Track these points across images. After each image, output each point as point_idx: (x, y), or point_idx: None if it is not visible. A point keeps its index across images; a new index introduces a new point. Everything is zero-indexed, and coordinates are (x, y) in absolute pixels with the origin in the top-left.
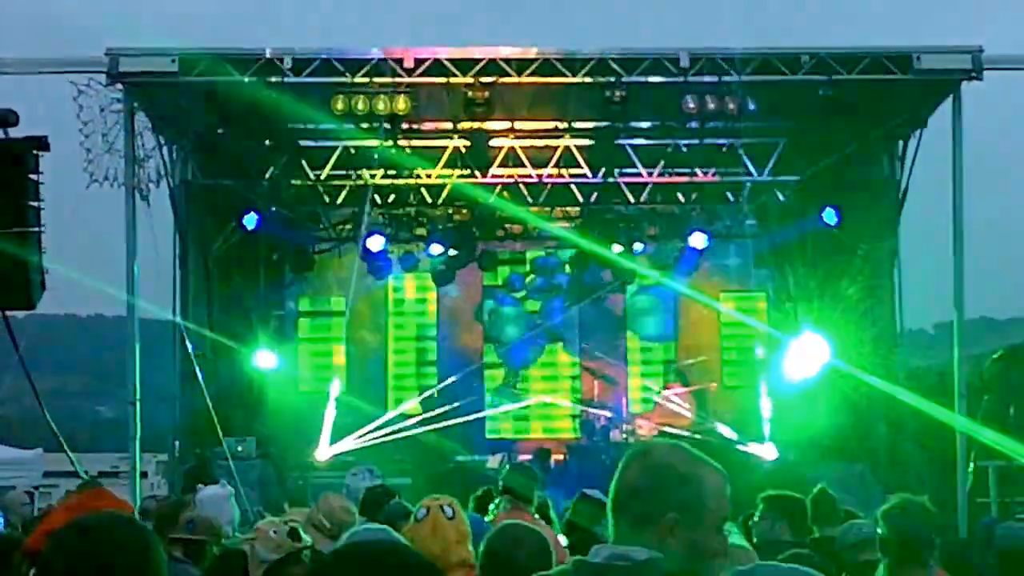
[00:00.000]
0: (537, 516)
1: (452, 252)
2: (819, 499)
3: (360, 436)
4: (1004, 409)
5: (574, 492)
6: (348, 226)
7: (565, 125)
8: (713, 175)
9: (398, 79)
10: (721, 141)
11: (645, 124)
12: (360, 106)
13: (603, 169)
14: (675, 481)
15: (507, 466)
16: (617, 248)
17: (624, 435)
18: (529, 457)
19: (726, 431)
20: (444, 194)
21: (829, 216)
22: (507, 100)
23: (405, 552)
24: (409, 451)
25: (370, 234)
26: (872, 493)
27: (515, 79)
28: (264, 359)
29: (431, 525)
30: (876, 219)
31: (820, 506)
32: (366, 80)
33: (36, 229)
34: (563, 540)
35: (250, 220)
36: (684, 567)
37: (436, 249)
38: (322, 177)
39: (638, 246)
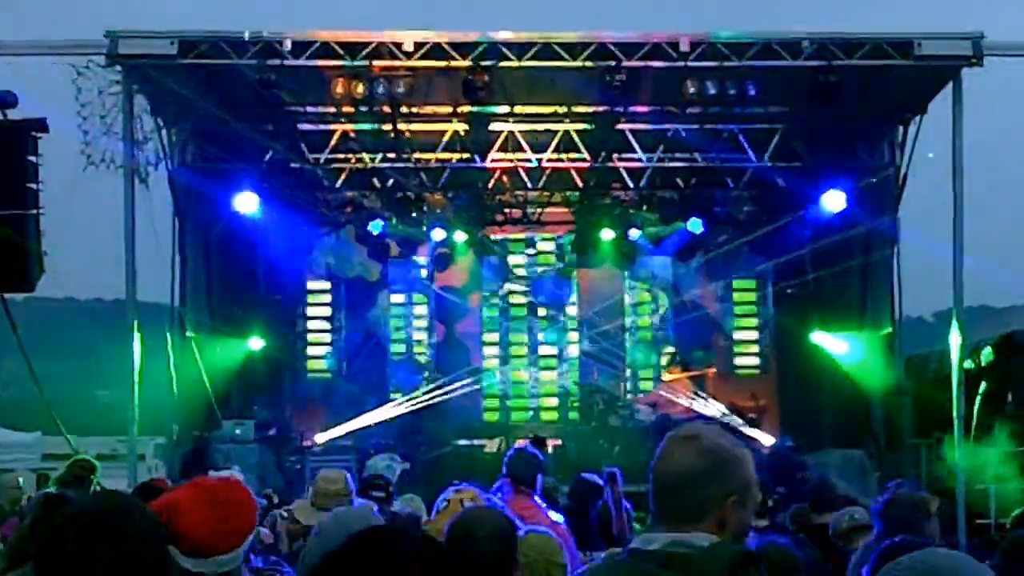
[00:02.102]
0: (539, 500)
1: (452, 236)
2: (818, 487)
3: (358, 420)
4: (1002, 396)
5: (572, 476)
6: (347, 209)
7: (564, 109)
8: (713, 160)
9: (397, 62)
10: (721, 126)
11: (645, 109)
12: (359, 89)
13: (602, 154)
14: (732, 462)
15: (512, 450)
16: (611, 234)
17: (622, 419)
18: (526, 442)
19: (724, 416)
20: (443, 178)
21: (828, 201)
22: (506, 84)
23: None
24: (407, 436)
25: (370, 217)
26: (870, 480)
27: (515, 63)
28: (262, 343)
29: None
30: (876, 205)
31: (819, 494)
32: (365, 63)
33: (35, 211)
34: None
35: (246, 202)
36: (734, 548)
37: (439, 234)
38: (321, 160)
39: (634, 233)
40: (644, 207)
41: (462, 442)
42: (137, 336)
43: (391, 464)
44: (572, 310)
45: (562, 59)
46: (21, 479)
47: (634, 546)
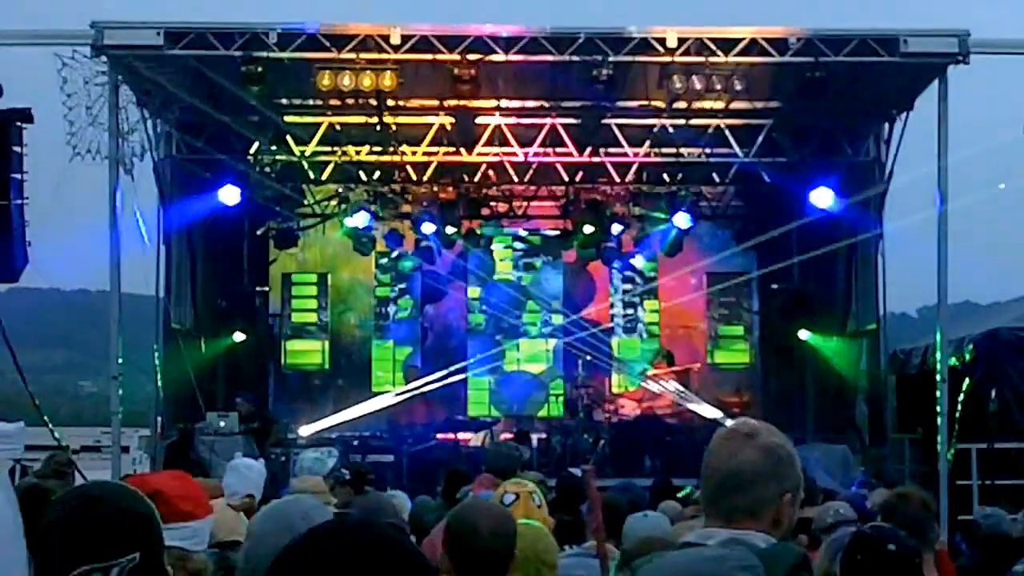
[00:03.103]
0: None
1: (439, 229)
2: None
3: (342, 413)
4: (985, 392)
5: (557, 471)
6: (333, 202)
7: (551, 104)
8: (699, 156)
9: (384, 55)
10: (707, 122)
11: (631, 104)
12: (346, 82)
13: (589, 148)
14: (788, 460)
15: (491, 444)
16: (597, 229)
17: (607, 414)
18: (511, 436)
19: (709, 411)
20: (429, 171)
21: (815, 197)
22: (493, 78)
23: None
24: (391, 429)
25: (355, 211)
26: (853, 475)
27: (502, 57)
28: (246, 335)
29: (522, 511)
30: (861, 201)
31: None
32: (352, 56)
33: (19, 201)
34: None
35: (230, 194)
36: (795, 551)
37: (428, 228)
38: (307, 153)
39: (620, 227)
40: (631, 202)
41: (447, 436)
42: (119, 327)
43: (320, 458)
44: (557, 304)
45: (549, 53)
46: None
47: (690, 538)
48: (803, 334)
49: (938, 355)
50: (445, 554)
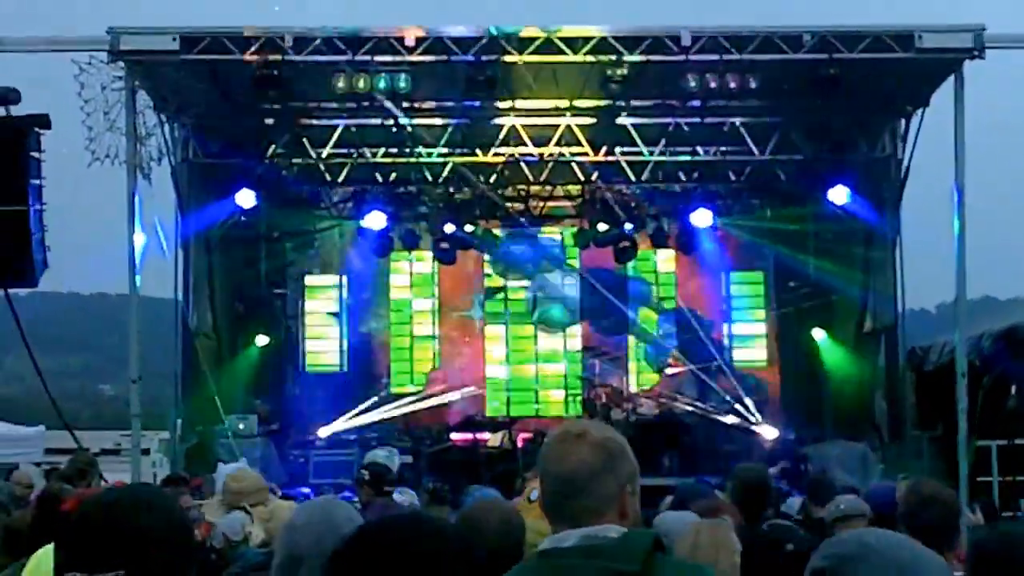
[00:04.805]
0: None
1: (455, 230)
2: (815, 480)
3: (360, 414)
4: (1005, 389)
5: None
6: (349, 204)
7: (566, 104)
8: (715, 154)
9: (399, 57)
10: (722, 120)
11: (646, 103)
12: (361, 84)
13: (604, 148)
14: (620, 453)
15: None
16: (613, 228)
17: (625, 413)
18: (530, 435)
19: (727, 410)
20: (445, 173)
21: (832, 194)
22: (508, 79)
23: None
24: (409, 430)
25: (371, 211)
26: (873, 472)
27: (516, 57)
28: (265, 337)
29: None
30: (878, 198)
31: (816, 486)
32: (367, 58)
33: (38, 207)
34: None
35: (247, 198)
36: (647, 532)
37: (448, 228)
38: (323, 156)
39: (636, 226)
40: (646, 201)
41: (465, 436)
42: (139, 331)
43: (391, 455)
44: (574, 303)
45: (563, 53)
46: (32, 475)
47: (545, 547)
48: (817, 333)
49: (957, 351)
50: None
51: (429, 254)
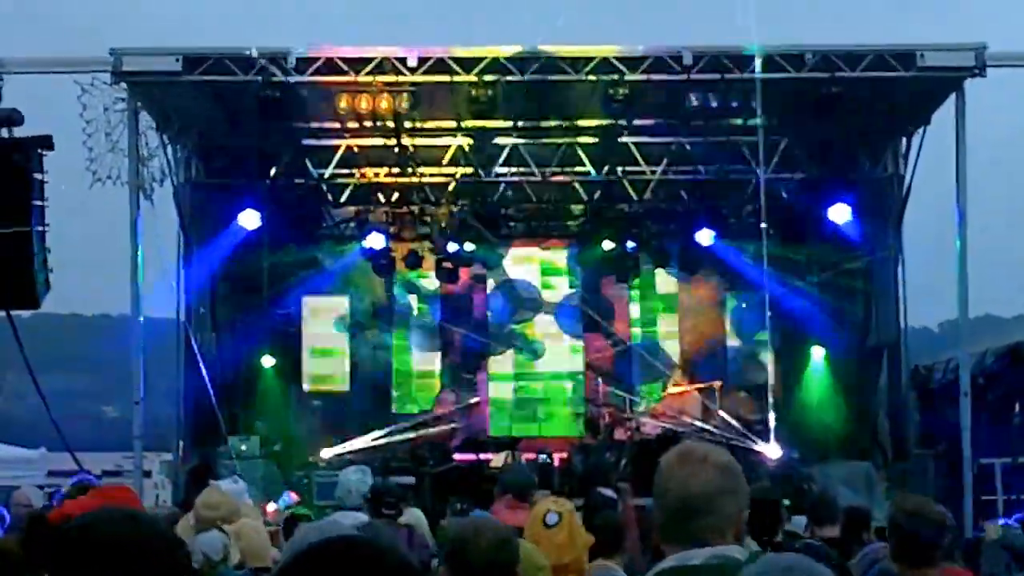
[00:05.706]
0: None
1: (458, 249)
2: (817, 501)
3: (364, 435)
4: (1008, 407)
5: (580, 490)
6: (352, 224)
7: (568, 123)
8: (717, 173)
9: (401, 77)
10: (724, 139)
11: (648, 122)
12: (364, 104)
13: (607, 167)
14: (741, 476)
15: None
16: (616, 247)
17: (629, 432)
18: (533, 456)
19: (730, 429)
20: (448, 192)
21: (833, 212)
22: (510, 98)
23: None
24: (412, 450)
25: (373, 231)
26: (877, 492)
27: (518, 77)
28: (267, 358)
29: (567, 531)
30: (880, 216)
31: (818, 507)
32: (370, 79)
33: (40, 228)
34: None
35: (249, 219)
36: (782, 554)
37: (451, 247)
38: (325, 176)
39: (639, 245)
40: (649, 220)
41: (468, 456)
42: (141, 352)
43: (363, 475)
44: (577, 323)
45: (565, 73)
46: (31, 495)
47: (671, 564)
48: (819, 352)
49: (960, 369)
50: (446, 569)
51: (431, 273)
